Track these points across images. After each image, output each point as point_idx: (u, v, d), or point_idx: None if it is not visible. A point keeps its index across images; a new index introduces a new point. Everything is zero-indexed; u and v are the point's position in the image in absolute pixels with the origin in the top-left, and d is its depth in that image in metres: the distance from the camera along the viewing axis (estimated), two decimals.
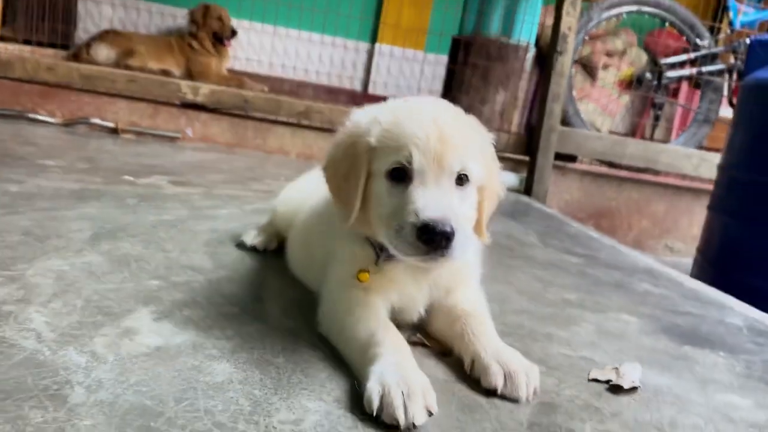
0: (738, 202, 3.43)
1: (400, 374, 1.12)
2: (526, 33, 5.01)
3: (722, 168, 3.65)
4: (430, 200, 1.23)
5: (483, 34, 5.11)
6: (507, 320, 1.72)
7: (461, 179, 1.31)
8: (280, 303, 1.59)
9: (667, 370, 1.54)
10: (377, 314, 1.34)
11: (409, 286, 1.43)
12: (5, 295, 1.37)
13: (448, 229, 1.18)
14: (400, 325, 1.46)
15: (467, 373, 1.30)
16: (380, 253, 1.40)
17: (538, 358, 1.47)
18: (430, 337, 1.47)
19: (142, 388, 1.07)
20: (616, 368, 1.44)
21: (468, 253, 1.31)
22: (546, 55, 4.74)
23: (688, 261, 4.08)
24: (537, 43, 5.82)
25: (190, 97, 4.49)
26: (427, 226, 1.18)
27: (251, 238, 2.04)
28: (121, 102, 4.50)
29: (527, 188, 4.64)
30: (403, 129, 1.29)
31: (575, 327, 1.77)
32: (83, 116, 4.38)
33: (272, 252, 2.03)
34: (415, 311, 1.46)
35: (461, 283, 1.49)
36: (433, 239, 1.18)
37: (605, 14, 5.28)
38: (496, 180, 1.43)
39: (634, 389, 1.36)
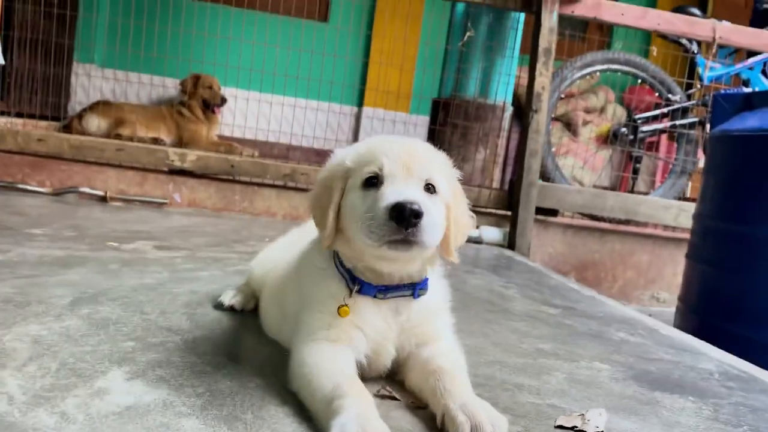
0: (713, 250, 3.51)
1: (360, 424, 1.15)
2: (502, 93, 5.20)
3: (696, 217, 3.75)
4: (400, 191, 1.36)
5: (461, 96, 5.29)
6: (479, 372, 1.75)
7: (429, 188, 1.43)
8: (253, 361, 1.62)
9: (634, 414, 1.57)
10: (344, 367, 1.38)
11: (378, 323, 1.48)
12: None
13: (417, 207, 1.30)
14: (369, 377, 1.50)
15: (438, 427, 1.32)
16: (352, 285, 1.48)
17: (505, 406, 1.50)
18: (405, 391, 1.51)
19: None
20: (582, 415, 1.47)
21: (437, 241, 1.40)
22: (523, 112, 4.90)
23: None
24: (514, 100, 6.03)
25: (177, 163, 4.60)
26: (397, 204, 1.30)
27: (229, 298, 2.08)
28: (110, 170, 4.61)
29: (510, 243, 4.71)
30: (376, 148, 1.47)
31: (546, 376, 1.80)
32: (73, 185, 4.47)
33: (250, 312, 2.07)
34: (387, 354, 1.50)
35: (431, 323, 1.54)
36: (403, 215, 1.29)
37: (578, 73, 5.48)
38: (463, 211, 1.55)
39: None
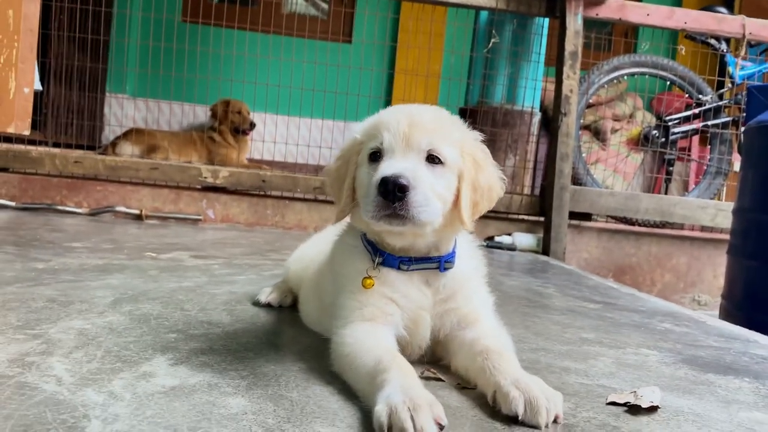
0: (756, 244, 3.41)
1: (405, 393, 1.13)
2: (529, 99, 5.18)
3: (737, 212, 3.65)
4: (391, 165, 1.36)
5: (488, 103, 5.28)
6: (523, 357, 1.71)
7: (432, 159, 1.41)
8: (294, 348, 1.61)
9: (688, 393, 1.51)
10: (383, 342, 1.37)
11: (411, 291, 1.48)
12: (28, 348, 1.42)
13: (402, 181, 1.30)
14: (412, 357, 1.48)
15: (491, 405, 1.28)
16: (375, 257, 1.49)
17: (553, 387, 1.46)
18: (450, 374, 1.48)
19: (157, 419, 1.10)
20: (634, 392, 1.42)
21: (432, 215, 1.35)
22: (552, 118, 4.87)
23: (714, 313, 4.01)
24: (542, 109, 5.99)
25: (210, 180, 4.67)
26: (383, 179, 1.30)
27: (266, 295, 2.09)
28: (144, 189, 4.69)
29: (545, 248, 4.65)
30: (380, 121, 1.47)
31: (592, 360, 1.75)
32: (108, 205, 4.56)
33: (287, 308, 2.07)
34: (425, 323, 1.48)
35: (468, 299, 1.52)
36: (388, 189, 1.29)
37: (606, 78, 5.43)
38: (487, 175, 1.50)
39: (653, 409, 1.34)
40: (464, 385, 1.40)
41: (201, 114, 7.56)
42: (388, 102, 7.97)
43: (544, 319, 2.31)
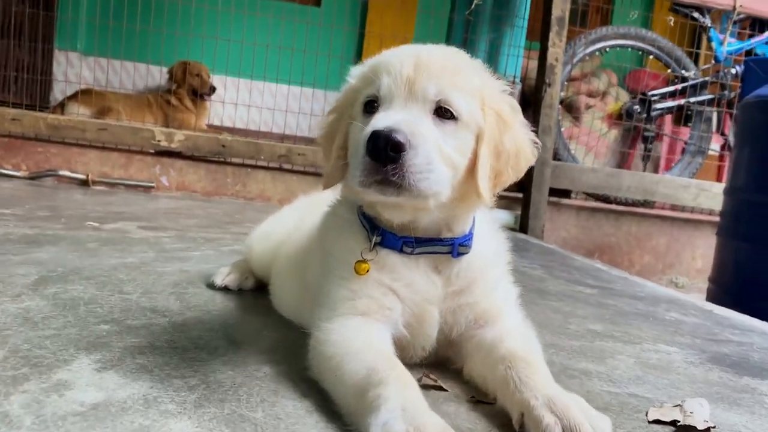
0: (749, 226, 3.21)
1: (409, 419, 0.85)
2: (511, 68, 4.88)
3: (729, 191, 3.45)
4: (387, 116, 1.07)
5: None
6: None
7: (442, 112, 1.11)
8: (259, 346, 1.30)
9: (735, 405, 1.26)
10: (379, 346, 1.07)
11: (418, 280, 1.17)
12: None
13: (397, 137, 1.00)
14: (410, 361, 1.19)
15: (516, 429, 0.99)
16: (371, 233, 1.19)
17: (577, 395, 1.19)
18: (455, 381, 1.20)
19: None
20: (680, 405, 1.16)
21: (435, 185, 1.05)
22: (535, 88, 4.58)
23: (696, 296, 3.85)
24: (522, 83, 5.71)
25: (164, 144, 4.26)
26: (372, 134, 1.01)
27: (222, 276, 1.76)
28: (91, 152, 4.26)
29: (522, 226, 4.41)
30: (380, 62, 1.17)
31: (611, 360, 1.49)
32: (51, 168, 4.12)
33: (249, 293, 1.75)
34: (432, 321, 1.18)
35: (487, 293, 1.22)
36: (378, 147, 1.00)
37: (589, 49, 5.18)
38: (513, 136, 1.18)
39: (708, 430, 1.08)
40: (479, 398, 1.12)
41: (157, 76, 7.06)
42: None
43: (543, 306, 2.05)
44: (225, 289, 1.74)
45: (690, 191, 4.76)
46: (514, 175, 1.19)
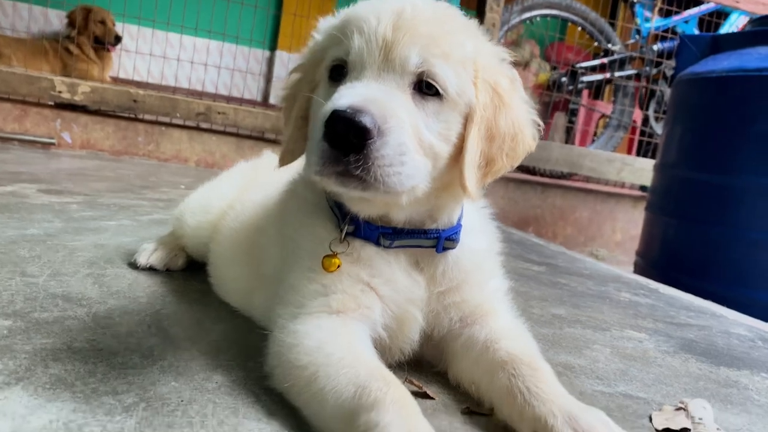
0: (677, 202, 3.25)
1: None
2: None
3: (659, 167, 3.48)
4: (352, 90, 0.87)
5: None
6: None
7: (425, 87, 0.92)
8: (202, 345, 1.08)
9: (729, 403, 1.18)
10: (362, 352, 0.89)
11: (398, 277, 0.99)
12: None
13: (363, 120, 0.81)
14: (387, 363, 1.01)
15: None
16: (342, 223, 0.99)
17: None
18: (442, 382, 1.04)
19: None
20: (682, 408, 1.06)
21: (409, 180, 0.87)
22: None
23: (617, 268, 3.93)
24: None
25: (66, 96, 3.80)
26: (332, 114, 0.82)
27: (147, 254, 1.50)
28: None
29: None
30: (353, 16, 0.96)
31: (588, 351, 1.39)
32: None
33: (179, 273, 1.51)
34: (414, 323, 1.01)
35: (475, 287, 1.05)
36: (337, 132, 0.82)
37: (519, 17, 5.11)
38: (508, 114, 0.99)
39: None
40: (473, 409, 0.96)
41: (55, 21, 6.37)
42: (276, 30, 7.18)
43: None
44: (150, 269, 1.49)
45: (614, 165, 4.83)
46: (508, 162, 1.00)
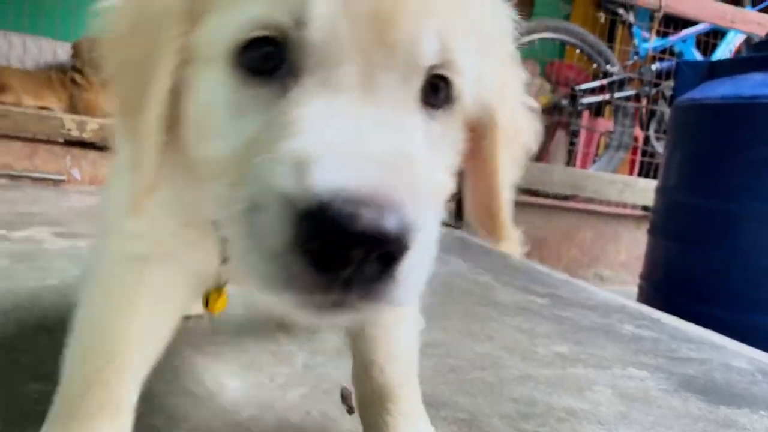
0: (678, 225, 3.30)
1: None
2: None
3: (660, 191, 3.54)
4: (345, 135, 0.48)
5: None
6: (516, 394, 1.35)
7: (434, 90, 0.58)
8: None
9: None
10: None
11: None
12: None
13: (394, 226, 0.46)
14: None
15: None
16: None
17: None
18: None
19: None
20: None
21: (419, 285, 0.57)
22: None
23: (621, 289, 3.97)
24: None
25: (75, 133, 3.90)
26: (330, 218, 0.44)
27: None
28: None
29: (457, 221, 4.37)
30: None
31: (589, 393, 1.44)
32: None
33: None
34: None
35: None
36: (348, 258, 0.46)
37: (523, 39, 5.20)
38: (513, 112, 0.72)
39: None
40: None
41: (62, 54, 6.50)
42: None
43: (502, 323, 1.97)
44: None
45: (616, 186, 4.89)
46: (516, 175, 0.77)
